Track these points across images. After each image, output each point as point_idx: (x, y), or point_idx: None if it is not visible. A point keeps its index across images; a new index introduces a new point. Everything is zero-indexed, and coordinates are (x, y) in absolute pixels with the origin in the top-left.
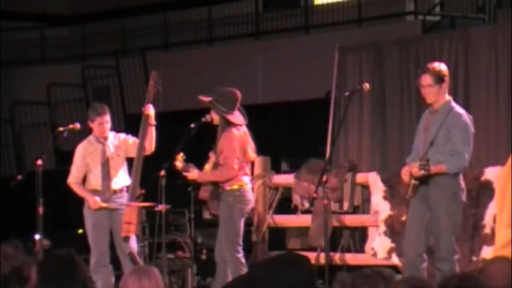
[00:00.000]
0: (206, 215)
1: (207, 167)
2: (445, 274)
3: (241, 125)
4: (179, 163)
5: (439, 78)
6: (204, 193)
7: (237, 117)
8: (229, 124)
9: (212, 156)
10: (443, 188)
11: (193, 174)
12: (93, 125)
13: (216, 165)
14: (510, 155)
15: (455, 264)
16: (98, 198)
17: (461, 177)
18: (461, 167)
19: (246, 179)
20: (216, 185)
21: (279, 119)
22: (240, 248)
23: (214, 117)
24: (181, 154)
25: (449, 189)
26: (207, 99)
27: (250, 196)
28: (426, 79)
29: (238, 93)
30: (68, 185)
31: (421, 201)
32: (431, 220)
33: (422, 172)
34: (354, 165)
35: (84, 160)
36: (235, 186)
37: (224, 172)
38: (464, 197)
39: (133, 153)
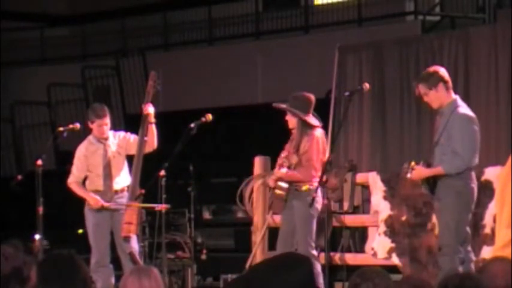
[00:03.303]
0: (206, 215)
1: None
2: (445, 271)
3: (318, 127)
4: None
5: (431, 82)
6: (282, 191)
7: (313, 119)
8: (308, 126)
9: (292, 156)
10: (447, 187)
11: (282, 171)
12: (93, 126)
13: (294, 166)
14: (510, 155)
15: (457, 261)
16: (98, 197)
17: (470, 176)
18: (459, 167)
19: (317, 180)
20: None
21: (279, 119)
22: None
23: (290, 121)
24: None
25: (453, 189)
26: (282, 105)
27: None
28: (420, 88)
29: (313, 98)
30: (68, 185)
31: (435, 200)
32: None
33: (408, 176)
34: (354, 165)
35: (86, 160)
36: (312, 187)
37: (307, 172)
38: (471, 196)
39: (134, 151)
